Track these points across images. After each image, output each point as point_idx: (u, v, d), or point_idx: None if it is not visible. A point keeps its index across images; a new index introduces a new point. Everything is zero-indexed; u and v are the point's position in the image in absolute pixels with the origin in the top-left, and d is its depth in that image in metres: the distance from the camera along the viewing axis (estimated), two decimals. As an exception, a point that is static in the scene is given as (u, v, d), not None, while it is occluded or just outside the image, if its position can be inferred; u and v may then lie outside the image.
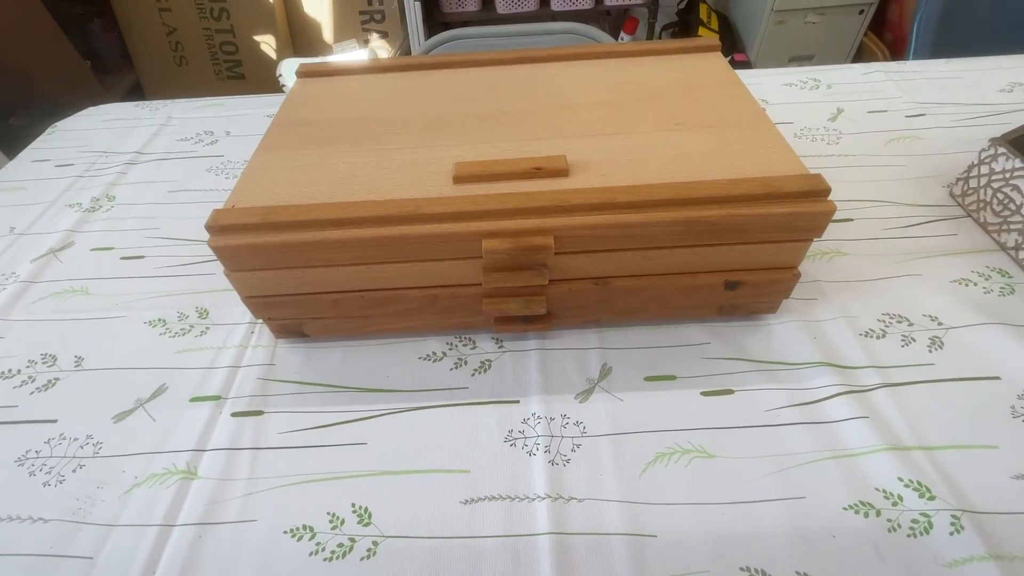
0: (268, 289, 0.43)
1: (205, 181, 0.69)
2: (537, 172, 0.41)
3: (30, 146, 0.79)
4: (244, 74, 1.92)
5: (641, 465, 0.40)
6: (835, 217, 0.43)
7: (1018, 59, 0.78)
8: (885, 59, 1.74)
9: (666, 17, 2.13)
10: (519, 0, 1.84)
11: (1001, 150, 0.52)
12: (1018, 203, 0.51)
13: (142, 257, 0.59)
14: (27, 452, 0.43)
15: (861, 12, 1.74)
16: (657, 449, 0.41)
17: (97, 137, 0.79)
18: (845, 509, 0.37)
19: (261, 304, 0.45)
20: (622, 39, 2.00)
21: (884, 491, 0.37)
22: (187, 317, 0.52)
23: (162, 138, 0.77)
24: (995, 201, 0.53)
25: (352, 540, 0.37)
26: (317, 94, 0.54)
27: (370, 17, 1.84)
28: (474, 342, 0.49)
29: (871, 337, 0.47)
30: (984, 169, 0.54)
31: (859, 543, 0.35)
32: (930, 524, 0.36)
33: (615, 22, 2.12)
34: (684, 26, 2.11)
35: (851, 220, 0.57)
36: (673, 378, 0.45)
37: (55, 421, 0.45)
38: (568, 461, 0.40)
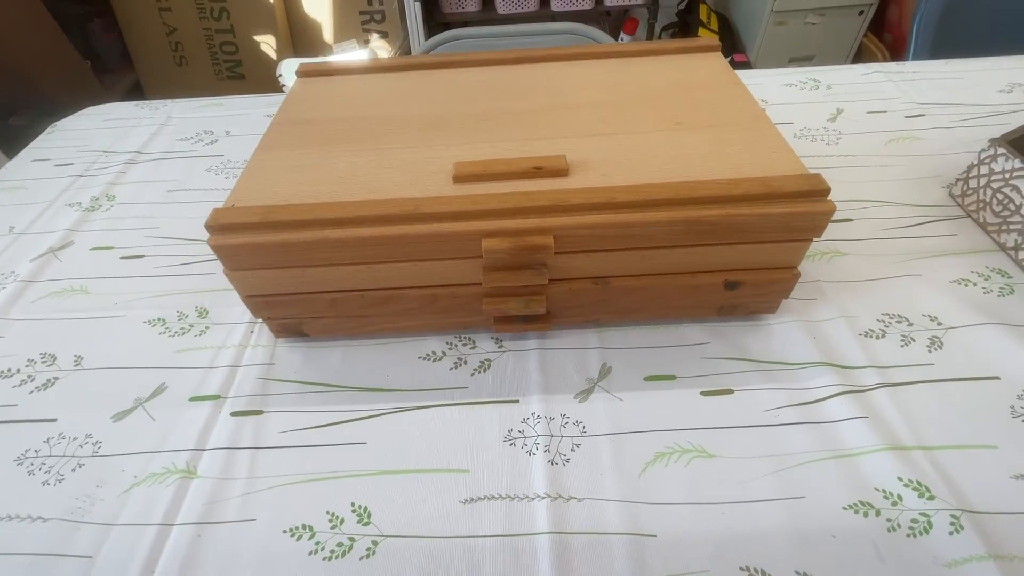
0: (268, 288, 0.43)
1: (205, 181, 0.69)
2: (537, 172, 0.41)
3: (30, 145, 0.79)
4: (244, 74, 1.92)
5: (641, 465, 0.40)
6: (835, 217, 0.43)
7: (1018, 60, 0.78)
8: (885, 60, 1.74)
9: (666, 18, 2.13)
10: (519, 0, 1.84)
11: (1001, 150, 0.52)
12: (1017, 203, 0.51)
13: (142, 256, 0.59)
14: (26, 451, 0.43)
15: (861, 13, 1.74)
16: (657, 449, 0.41)
17: (97, 137, 0.79)
18: (845, 509, 0.37)
19: (261, 303, 0.45)
20: (622, 39, 2.00)
21: (884, 491, 0.37)
22: (187, 316, 0.52)
23: (162, 138, 0.77)
24: (995, 201, 0.53)
25: (351, 539, 0.37)
26: (317, 94, 0.54)
27: (370, 17, 1.84)
28: (474, 342, 0.49)
29: (871, 337, 0.47)
30: (984, 169, 0.54)
31: (859, 543, 0.35)
32: (930, 524, 0.36)
33: (615, 23, 2.12)
34: (684, 27, 2.11)
35: (851, 220, 0.57)
36: (673, 378, 0.45)
37: (54, 420, 0.45)
38: (568, 461, 0.40)
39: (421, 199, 0.40)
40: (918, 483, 0.37)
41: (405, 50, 1.85)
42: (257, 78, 1.91)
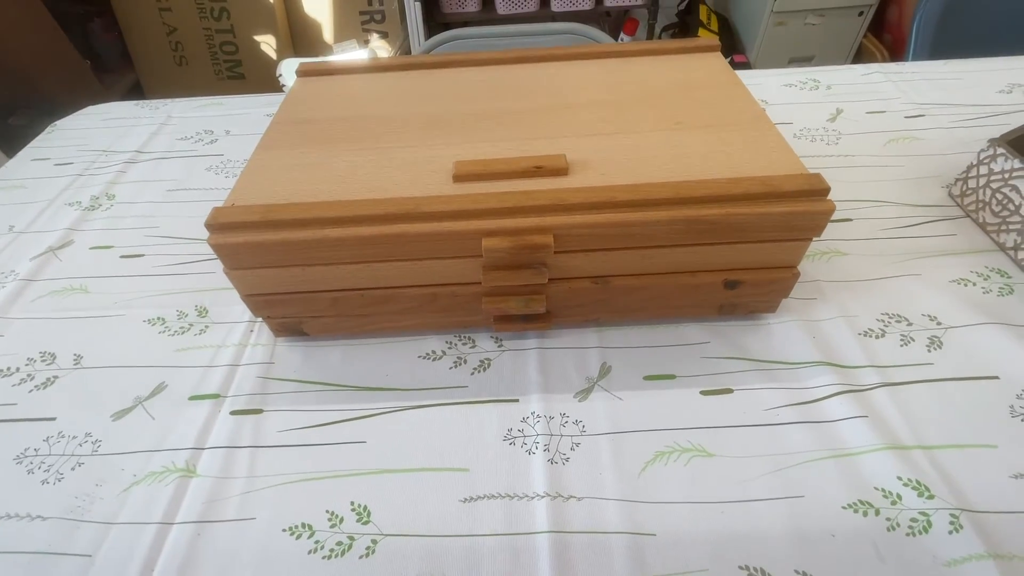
0: (268, 287, 0.43)
1: (205, 180, 0.69)
2: (537, 171, 0.42)
3: (29, 145, 0.79)
4: (244, 74, 1.92)
5: (640, 464, 0.40)
6: (834, 217, 0.43)
7: (1017, 60, 0.78)
8: (884, 60, 1.74)
9: (666, 18, 2.14)
10: (519, 1, 1.84)
11: (1000, 150, 0.52)
12: (1017, 203, 0.51)
13: (141, 256, 0.59)
14: (26, 450, 0.43)
15: (861, 14, 1.75)
16: (656, 448, 0.41)
17: (97, 136, 0.79)
18: (844, 508, 0.37)
19: (260, 302, 0.45)
20: (622, 40, 2.00)
21: (883, 490, 0.37)
22: (186, 315, 0.52)
23: (162, 137, 0.77)
24: (994, 201, 0.53)
25: (351, 538, 0.37)
26: (317, 93, 0.54)
27: (370, 17, 1.84)
28: (473, 341, 0.49)
29: (870, 337, 0.47)
30: (983, 169, 0.54)
31: (858, 542, 0.35)
32: (929, 523, 0.36)
33: (615, 23, 2.12)
34: (684, 27, 2.11)
35: (850, 220, 0.57)
36: (672, 377, 0.45)
37: (54, 419, 0.45)
38: (567, 460, 0.40)
39: (421, 198, 0.40)
40: (918, 482, 0.37)
41: (405, 50, 1.86)
42: (257, 78, 1.91)
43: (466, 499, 0.39)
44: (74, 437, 0.44)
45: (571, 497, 0.38)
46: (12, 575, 0.36)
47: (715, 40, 0.57)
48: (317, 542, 0.37)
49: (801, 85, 0.78)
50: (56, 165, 0.74)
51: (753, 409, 0.42)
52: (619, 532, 0.36)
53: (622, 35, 2.04)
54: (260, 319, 0.49)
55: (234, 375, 0.47)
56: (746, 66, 1.87)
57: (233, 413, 0.44)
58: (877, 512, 0.36)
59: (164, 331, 0.51)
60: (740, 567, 0.35)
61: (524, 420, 0.43)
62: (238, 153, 0.73)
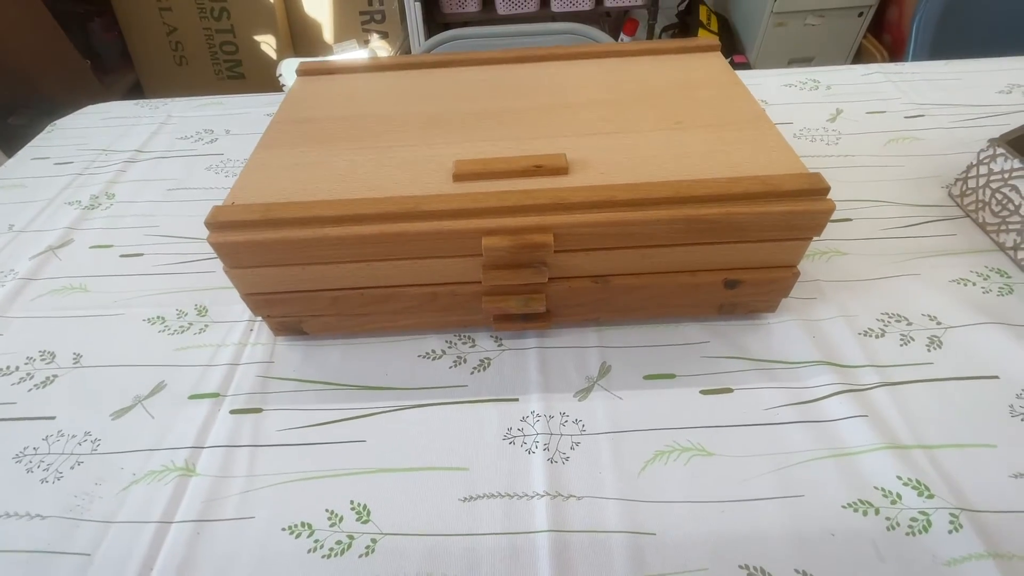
0: (267, 286, 0.43)
1: (205, 179, 0.69)
2: (537, 170, 0.41)
3: (29, 144, 0.79)
4: (244, 74, 1.92)
5: (640, 463, 0.40)
6: (834, 217, 0.43)
7: (1017, 61, 0.79)
8: (884, 61, 1.75)
9: (666, 19, 2.14)
10: (519, 1, 1.84)
11: (1000, 150, 0.52)
12: (1016, 203, 0.51)
13: (141, 255, 0.59)
14: (25, 449, 0.43)
15: (860, 14, 1.75)
16: (656, 447, 0.41)
17: (96, 135, 0.79)
18: (844, 507, 0.37)
19: (260, 301, 0.45)
20: (622, 40, 2.00)
21: (883, 490, 0.37)
22: (186, 315, 0.52)
23: (162, 136, 0.77)
24: (994, 201, 0.53)
25: (351, 537, 0.37)
26: (317, 92, 0.54)
27: (370, 17, 1.84)
28: (473, 340, 0.49)
29: (870, 336, 0.47)
30: (983, 169, 0.54)
31: (858, 541, 0.35)
32: (929, 522, 0.36)
33: (615, 23, 2.12)
34: (684, 28, 2.12)
35: (850, 220, 0.57)
36: (672, 376, 0.45)
37: (53, 418, 0.45)
38: (567, 459, 0.40)
39: (421, 197, 0.40)
40: (917, 482, 0.37)
41: (405, 50, 1.86)
42: (257, 78, 1.91)
43: (466, 498, 0.39)
44: (73, 436, 0.43)
45: (571, 496, 0.38)
46: (11, 574, 0.36)
47: (715, 40, 0.57)
48: (316, 541, 0.37)
49: (801, 85, 0.78)
50: (56, 164, 0.74)
51: (753, 408, 0.42)
52: (619, 531, 0.36)
53: (622, 35, 2.04)
54: (260, 318, 0.49)
55: (234, 374, 0.47)
56: (746, 66, 1.87)
57: (233, 412, 0.44)
58: (877, 511, 0.36)
59: (164, 330, 0.51)
60: (740, 566, 0.35)
61: (524, 419, 0.43)
62: (238, 152, 0.73)
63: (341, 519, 0.38)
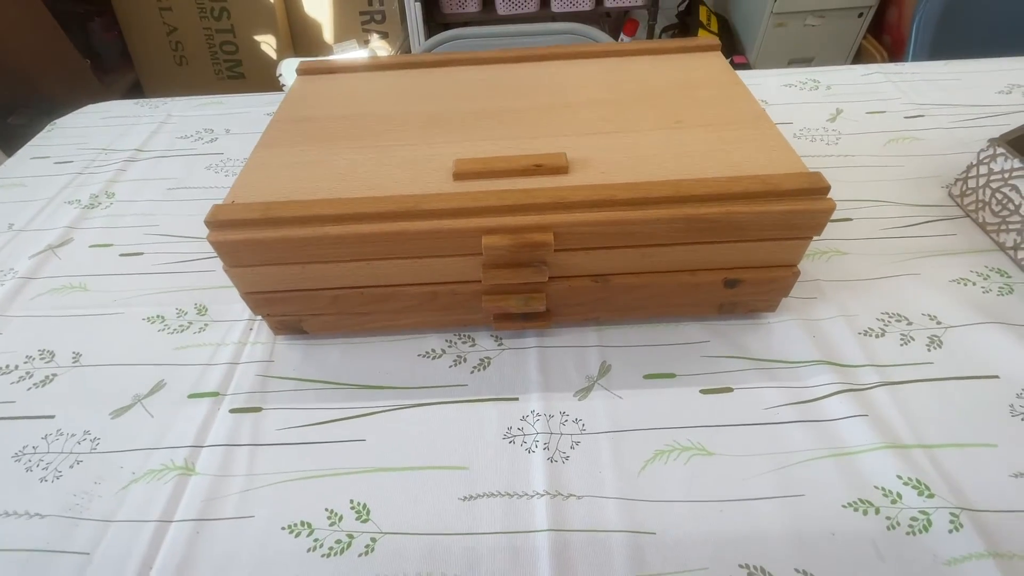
0: (267, 285, 0.43)
1: (204, 178, 0.69)
2: (537, 169, 0.41)
3: (29, 143, 0.78)
4: (244, 74, 1.92)
5: (640, 462, 0.40)
6: (834, 217, 0.43)
7: (1017, 61, 0.79)
8: (884, 62, 1.75)
9: (666, 19, 2.14)
10: (519, 1, 1.84)
11: (1000, 150, 0.52)
12: (1016, 203, 0.51)
13: (141, 254, 0.59)
14: (24, 447, 0.43)
15: (860, 15, 1.75)
16: (656, 447, 0.41)
17: (96, 134, 0.79)
18: (844, 507, 0.37)
19: (260, 300, 0.45)
20: (622, 41, 2.00)
21: (883, 489, 0.37)
22: (186, 314, 0.52)
23: (162, 136, 0.77)
24: (994, 201, 0.53)
25: (350, 536, 0.37)
26: (317, 91, 0.54)
27: (370, 17, 1.84)
28: (473, 339, 0.49)
29: (870, 336, 0.47)
30: (983, 169, 0.54)
31: (858, 541, 0.35)
32: (929, 522, 0.36)
33: (615, 24, 2.12)
34: (684, 28, 2.12)
35: (850, 220, 0.57)
36: (672, 376, 0.45)
37: (52, 417, 0.45)
38: (567, 458, 0.40)
39: (421, 196, 0.40)
40: (918, 481, 0.37)
41: (405, 50, 1.86)
42: (257, 78, 1.91)
43: (466, 497, 0.39)
44: (73, 435, 0.43)
45: (571, 496, 0.38)
46: (10, 573, 0.36)
47: (715, 39, 0.57)
48: (316, 540, 0.37)
49: (801, 85, 0.78)
50: (56, 163, 0.74)
51: (753, 408, 0.42)
52: (619, 531, 0.36)
53: (622, 36, 2.04)
54: (260, 317, 0.49)
55: (233, 373, 0.47)
56: (746, 67, 1.87)
57: (232, 411, 0.44)
58: (877, 511, 0.36)
59: (163, 329, 0.51)
60: (740, 566, 0.35)
61: (524, 419, 0.43)
62: (238, 152, 0.73)
63: (341, 518, 0.38)
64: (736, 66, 0.53)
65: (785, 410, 0.42)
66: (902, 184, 0.61)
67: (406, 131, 0.47)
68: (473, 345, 0.48)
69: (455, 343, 0.48)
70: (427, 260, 0.41)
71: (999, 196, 0.53)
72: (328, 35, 1.87)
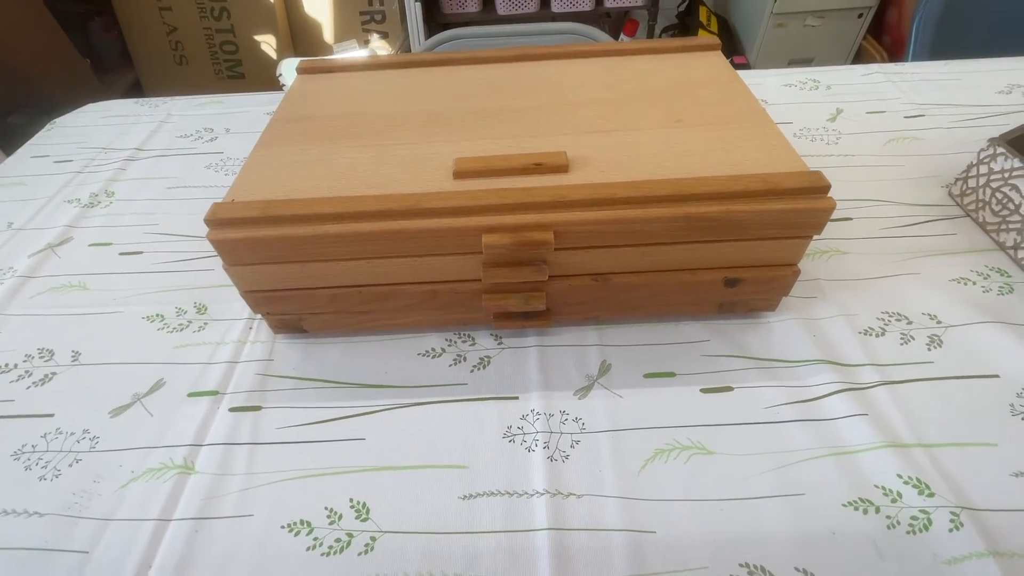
0: (267, 283, 0.43)
1: (204, 177, 0.69)
2: (537, 168, 0.41)
3: (29, 142, 0.78)
4: (244, 74, 1.92)
5: (640, 461, 0.40)
6: (834, 216, 0.43)
7: (1017, 61, 0.79)
8: (884, 62, 1.75)
9: (666, 19, 2.14)
10: (519, 1, 1.84)
11: (1000, 150, 0.52)
12: (1017, 203, 0.51)
13: (140, 253, 0.59)
14: (23, 446, 0.43)
15: (860, 15, 1.75)
16: (656, 446, 0.40)
17: (96, 133, 0.79)
18: (844, 506, 0.37)
19: (260, 299, 0.45)
20: (622, 41, 2.00)
21: (883, 488, 0.37)
22: (185, 312, 0.52)
23: (161, 135, 0.77)
24: (994, 201, 0.53)
25: (350, 535, 0.37)
26: (317, 90, 0.54)
27: (370, 17, 1.84)
28: (473, 339, 0.49)
29: (870, 335, 0.47)
30: (983, 169, 0.54)
31: (858, 540, 0.35)
32: (929, 521, 0.36)
33: (615, 24, 2.12)
34: (684, 29, 2.12)
35: (850, 219, 0.57)
36: (672, 375, 0.45)
37: (52, 415, 0.45)
38: (567, 457, 0.40)
39: (421, 194, 0.40)
40: (918, 480, 0.37)
41: (405, 50, 1.86)
42: (257, 78, 1.91)
43: (465, 496, 0.38)
44: (72, 433, 0.43)
45: (571, 495, 0.38)
46: (9, 571, 0.36)
47: (715, 39, 0.57)
48: (316, 539, 0.37)
49: (801, 85, 0.78)
50: (55, 162, 0.74)
51: (753, 407, 0.42)
52: (619, 530, 0.36)
53: (622, 36, 2.04)
54: (259, 316, 0.49)
55: (233, 372, 0.47)
56: (746, 67, 1.87)
57: (232, 410, 0.44)
58: (877, 510, 0.36)
59: (163, 328, 0.51)
60: (740, 564, 0.34)
61: (524, 417, 0.43)
62: (238, 151, 0.73)
63: (340, 517, 0.38)
64: (736, 66, 0.53)
65: (785, 409, 0.42)
66: (902, 184, 0.61)
67: (406, 130, 0.47)
68: (473, 344, 0.48)
69: (455, 342, 0.48)
70: (427, 259, 0.41)
71: (999, 196, 0.53)
72: (328, 35, 1.87)
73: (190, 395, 0.45)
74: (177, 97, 0.85)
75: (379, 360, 0.47)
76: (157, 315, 0.52)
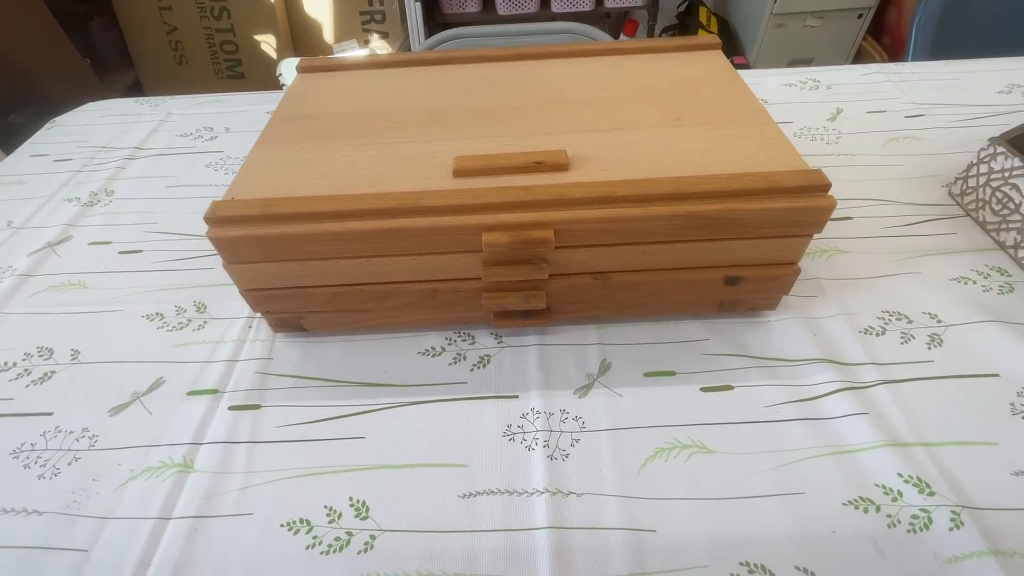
0: (267, 282, 0.43)
1: (204, 176, 0.69)
2: (537, 166, 0.41)
3: (28, 141, 0.78)
4: (244, 73, 1.92)
5: (640, 460, 0.40)
6: (834, 215, 0.43)
7: (1017, 61, 0.79)
8: (884, 62, 1.75)
9: (666, 20, 2.14)
10: (519, 1, 1.84)
11: (1000, 149, 0.52)
12: (1017, 202, 0.51)
13: (140, 251, 0.59)
14: (22, 445, 0.43)
15: (860, 16, 1.75)
16: (656, 444, 0.40)
17: (96, 132, 0.79)
18: (845, 505, 0.37)
19: (260, 297, 0.45)
20: (622, 40, 2.00)
21: (884, 487, 0.37)
22: (185, 311, 0.52)
23: (161, 134, 0.77)
24: (994, 200, 0.53)
25: (349, 534, 0.37)
26: (317, 89, 0.54)
27: (370, 17, 1.84)
28: (473, 337, 0.49)
29: (870, 334, 0.47)
30: (983, 168, 0.54)
31: (859, 539, 0.35)
32: (930, 520, 0.36)
33: (615, 24, 2.12)
34: (683, 29, 2.12)
35: (850, 218, 0.57)
36: (672, 374, 0.45)
37: (51, 414, 0.45)
38: (567, 456, 0.40)
39: (421, 193, 0.40)
40: (918, 479, 0.37)
41: (405, 50, 1.86)
42: (257, 78, 1.91)
43: (465, 495, 0.38)
44: (71, 432, 0.43)
45: (571, 493, 0.38)
46: (7, 569, 0.36)
47: (716, 38, 0.57)
48: (315, 538, 0.37)
49: (801, 85, 0.78)
50: (55, 161, 0.73)
51: (753, 406, 0.42)
52: (619, 528, 0.36)
53: (622, 36, 2.04)
54: (259, 314, 0.49)
55: (232, 370, 0.47)
56: (745, 68, 1.87)
57: (231, 408, 0.44)
58: (878, 509, 0.36)
59: (162, 326, 0.51)
60: (740, 563, 0.34)
61: (524, 416, 0.43)
62: (238, 150, 0.73)
63: (340, 515, 0.38)
64: (736, 67, 0.53)
65: (785, 408, 0.42)
66: (902, 183, 0.61)
67: (406, 128, 0.47)
68: (473, 343, 0.48)
69: (455, 341, 0.48)
70: (427, 257, 0.41)
71: (999, 195, 0.52)
72: (328, 35, 1.87)
73: (189, 394, 0.45)
74: (177, 96, 0.85)
75: (379, 359, 0.47)
76: (156, 314, 0.52)
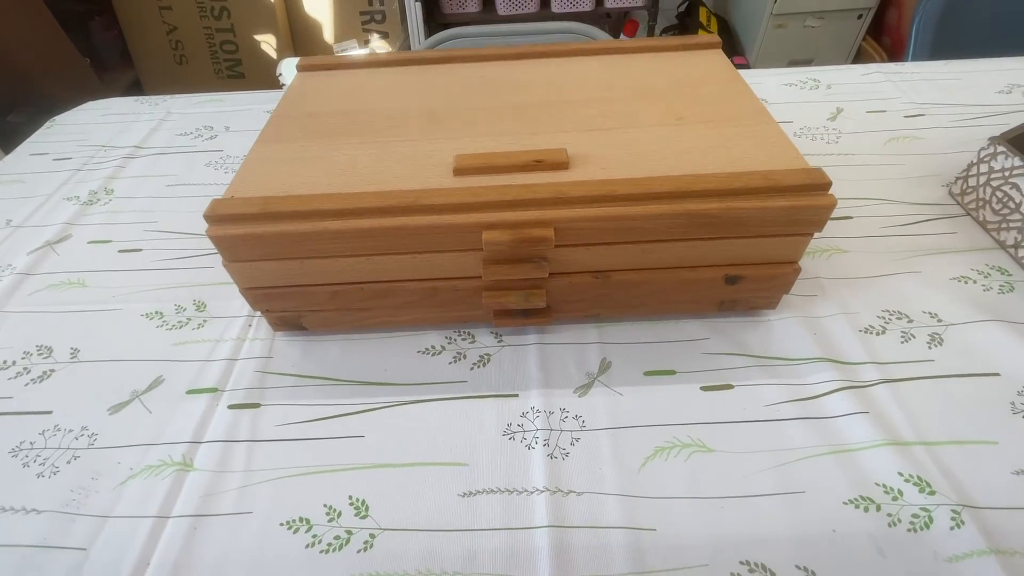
0: (266, 280, 0.43)
1: (204, 175, 0.69)
2: (537, 165, 0.41)
3: (28, 140, 0.78)
4: (244, 73, 1.92)
5: (640, 459, 0.40)
6: (835, 215, 0.43)
7: (1017, 61, 0.79)
8: (884, 62, 1.75)
9: (666, 20, 2.14)
10: (519, 1, 1.84)
11: (1000, 149, 0.52)
12: (1017, 201, 0.51)
13: (139, 250, 0.59)
14: (21, 443, 0.43)
15: (860, 16, 1.75)
16: (656, 443, 0.40)
17: (96, 131, 0.79)
18: (845, 504, 0.37)
19: (260, 296, 0.45)
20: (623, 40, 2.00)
21: (884, 486, 0.37)
22: (184, 310, 0.52)
23: (161, 133, 0.77)
24: (994, 199, 0.53)
25: (349, 533, 0.37)
26: (317, 87, 0.54)
27: (370, 17, 1.84)
28: (473, 336, 0.49)
29: (871, 333, 0.46)
30: (983, 168, 0.54)
31: (859, 538, 0.35)
32: (930, 519, 0.35)
33: (615, 25, 2.13)
34: (683, 29, 2.12)
35: (850, 218, 0.57)
36: (672, 373, 0.45)
37: (50, 412, 0.45)
38: (567, 455, 0.40)
39: (421, 191, 0.40)
40: (919, 478, 0.37)
41: (405, 50, 1.86)
42: (257, 77, 1.91)
43: (465, 494, 0.38)
44: (70, 431, 0.43)
45: (571, 492, 0.38)
46: (7, 568, 0.36)
47: (716, 37, 0.57)
48: (315, 536, 0.37)
49: (801, 85, 0.78)
50: (55, 160, 0.73)
51: (753, 405, 0.42)
52: (619, 527, 0.36)
53: (622, 36, 2.04)
54: (259, 313, 0.49)
55: (232, 369, 0.47)
56: (745, 68, 1.87)
57: (231, 407, 0.44)
58: (878, 508, 0.36)
59: (162, 325, 0.51)
60: (740, 562, 0.34)
61: (524, 415, 0.43)
62: (237, 149, 0.73)
63: (339, 514, 0.38)
64: (736, 67, 0.53)
65: (786, 407, 0.42)
66: (902, 182, 0.61)
67: (406, 127, 0.47)
68: (473, 342, 0.48)
69: (455, 339, 0.48)
70: (427, 255, 0.41)
71: (999, 194, 0.52)
72: (328, 35, 1.87)
73: (189, 392, 0.45)
74: (177, 95, 0.85)
75: (379, 358, 0.47)
76: (156, 312, 0.52)
